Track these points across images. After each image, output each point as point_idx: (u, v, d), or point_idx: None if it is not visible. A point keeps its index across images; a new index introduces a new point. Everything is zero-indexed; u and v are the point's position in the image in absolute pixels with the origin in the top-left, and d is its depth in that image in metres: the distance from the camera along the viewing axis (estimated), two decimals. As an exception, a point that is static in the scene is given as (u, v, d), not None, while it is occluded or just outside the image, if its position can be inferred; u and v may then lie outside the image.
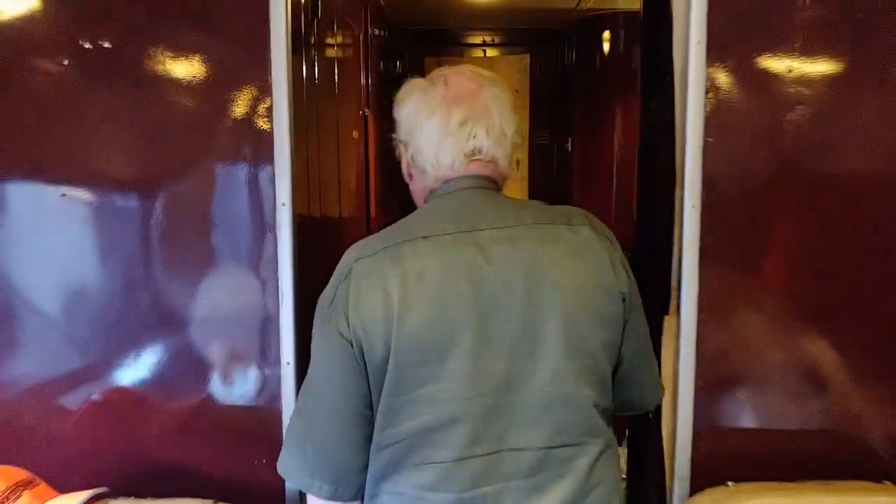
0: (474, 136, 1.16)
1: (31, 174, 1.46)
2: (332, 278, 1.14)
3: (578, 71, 3.74)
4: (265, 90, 1.43)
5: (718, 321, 1.41)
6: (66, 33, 1.43)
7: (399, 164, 1.27)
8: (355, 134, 2.79)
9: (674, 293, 1.43)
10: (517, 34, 4.19)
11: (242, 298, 1.49)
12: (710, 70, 1.37)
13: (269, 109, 1.44)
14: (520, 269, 1.09)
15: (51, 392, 1.50)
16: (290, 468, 1.13)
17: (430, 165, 1.18)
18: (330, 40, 2.38)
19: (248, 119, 1.45)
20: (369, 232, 2.87)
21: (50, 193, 1.45)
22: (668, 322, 1.44)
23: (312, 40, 2.04)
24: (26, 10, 1.42)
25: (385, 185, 3.51)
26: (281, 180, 1.45)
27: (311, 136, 2.01)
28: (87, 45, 1.43)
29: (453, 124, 1.16)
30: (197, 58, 1.44)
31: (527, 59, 4.16)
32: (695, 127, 1.38)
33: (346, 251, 1.15)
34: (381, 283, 1.07)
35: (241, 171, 1.47)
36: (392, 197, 3.66)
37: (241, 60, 1.44)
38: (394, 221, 1.17)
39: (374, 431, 1.11)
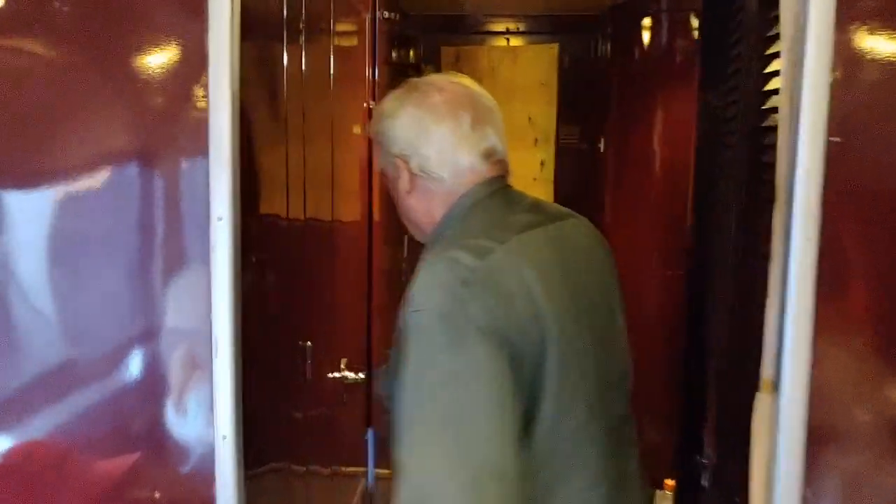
0: (487, 137, 1.19)
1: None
2: (442, 287, 1.02)
3: (614, 62, 3.40)
4: (201, 66, 1.04)
5: (838, 405, 0.96)
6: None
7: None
8: (357, 129, 2.47)
9: (768, 361, 0.99)
10: (545, 21, 3.85)
11: (164, 345, 1.09)
12: (840, 37, 0.92)
13: (206, 92, 1.04)
14: (587, 256, 1.19)
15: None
16: None
17: (449, 172, 1.19)
18: (325, 24, 2.04)
19: (176, 103, 1.06)
20: (371, 238, 2.54)
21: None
22: (760, 401, 1.00)
23: (300, 25, 1.73)
24: None
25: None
26: (218, 185, 1.04)
27: (293, 132, 1.67)
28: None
29: (465, 127, 1.18)
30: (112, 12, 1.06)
31: (555, 48, 3.81)
32: (813, 121, 0.92)
33: (435, 259, 1.06)
34: (518, 282, 1.04)
35: (163, 174, 1.07)
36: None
37: (173, 25, 1.05)
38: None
39: (532, 453, 1.03)
